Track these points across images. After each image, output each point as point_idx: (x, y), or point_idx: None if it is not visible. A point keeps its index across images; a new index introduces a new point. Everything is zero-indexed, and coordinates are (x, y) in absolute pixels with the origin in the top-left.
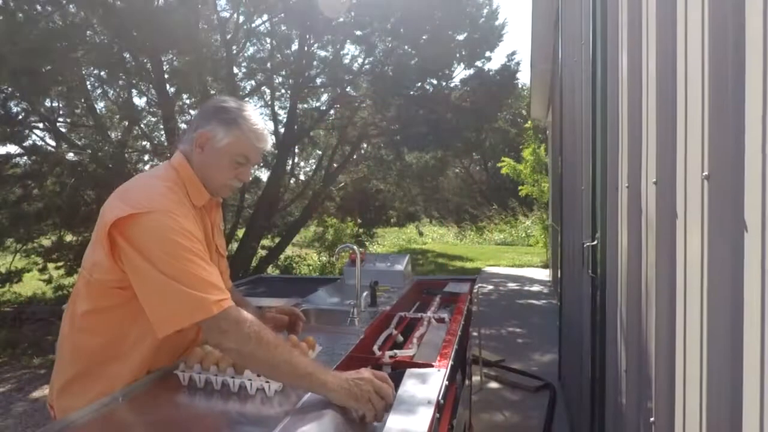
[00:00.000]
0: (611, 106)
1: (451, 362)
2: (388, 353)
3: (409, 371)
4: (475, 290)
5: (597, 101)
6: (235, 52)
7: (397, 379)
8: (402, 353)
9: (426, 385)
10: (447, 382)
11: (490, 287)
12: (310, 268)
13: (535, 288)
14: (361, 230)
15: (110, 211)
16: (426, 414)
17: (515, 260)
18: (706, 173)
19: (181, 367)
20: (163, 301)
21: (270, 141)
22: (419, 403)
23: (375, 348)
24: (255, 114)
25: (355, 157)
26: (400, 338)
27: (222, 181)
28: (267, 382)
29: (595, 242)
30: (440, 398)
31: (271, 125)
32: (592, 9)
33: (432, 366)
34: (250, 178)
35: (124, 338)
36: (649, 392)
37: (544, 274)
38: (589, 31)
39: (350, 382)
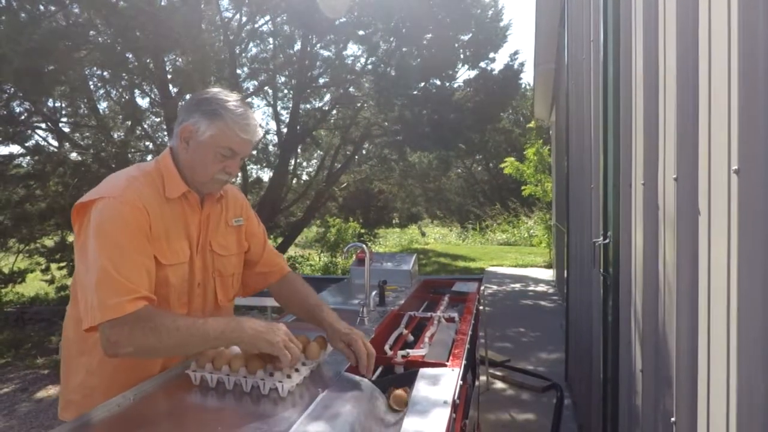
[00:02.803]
0: (624, 103)
1: (464, 362)
2: (401, 353)
3: (422, 371)
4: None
5: (608, 98)
6: (237, 52)
7: (409, 378)
8: (414, 353)
9: (440, 384)
10: (461, 382)
11: (494, 287)
12: (313, 268)
13: (539, 288)
14: (363, 230)
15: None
16: (442, 414)
17: (518, 260)
18: (735, 167)
19: (192, 366)
20: (83, 295)
21: (258, 131)
22: (434, 404)
23: (386, 347)
24: (241, 104)
25: (356, 158)
26: (411, 338)
27: (209, 175)
28: (280, 382)
29: (606, 240)
30: (456, 398)
31: (273, 125)
32: (603, 6)
33: (445, 365)
34: (238, 172)
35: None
36: (669, 392)
37: (548, 274)
38: (599, 28)
39: (266, 327)
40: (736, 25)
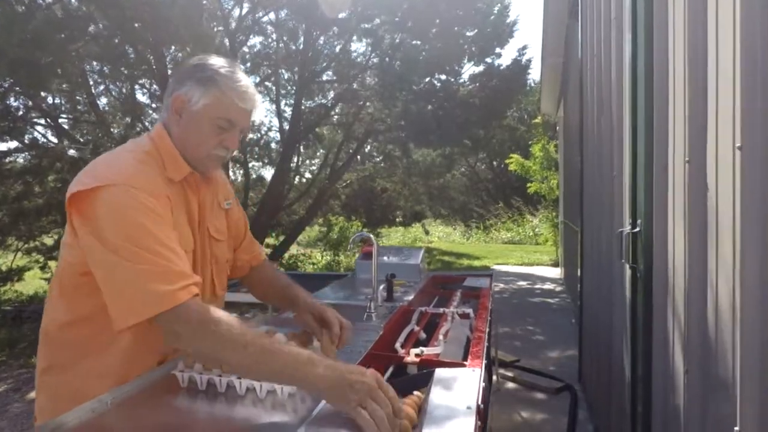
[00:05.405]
0: (658, 83)
1: (483, 361)
2: (414, 351)
3: (438, 371)
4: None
5: (637, 81)
6: (238, 45)
7: (424, 379)
8: (428, 351)
9: (461, 387)
10: (483, 384)
11: (501, 285)
12: (315, 266)
13: (546, 286)
14: (366, 229)
15: (71, 185)
16: (467, 423)
17: (524, 259)
18: None
19: (180, 366)
20: (118, 291)
21: (258, 101)
22: (456, 410)
23: (397, 345)
24: (238, 71)
25: (358, 157)
26: (423, 335)
27: (205, 150)
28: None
29: (636, 229)
30: (479, 403)
31: (276, 122)
32: None
33: (464, 365)
34: (237, 147)
35: (98, 330)
36: (725, 395)
37: (555, 273)
38: (624, 4)
39: (344, 382)
40: None
